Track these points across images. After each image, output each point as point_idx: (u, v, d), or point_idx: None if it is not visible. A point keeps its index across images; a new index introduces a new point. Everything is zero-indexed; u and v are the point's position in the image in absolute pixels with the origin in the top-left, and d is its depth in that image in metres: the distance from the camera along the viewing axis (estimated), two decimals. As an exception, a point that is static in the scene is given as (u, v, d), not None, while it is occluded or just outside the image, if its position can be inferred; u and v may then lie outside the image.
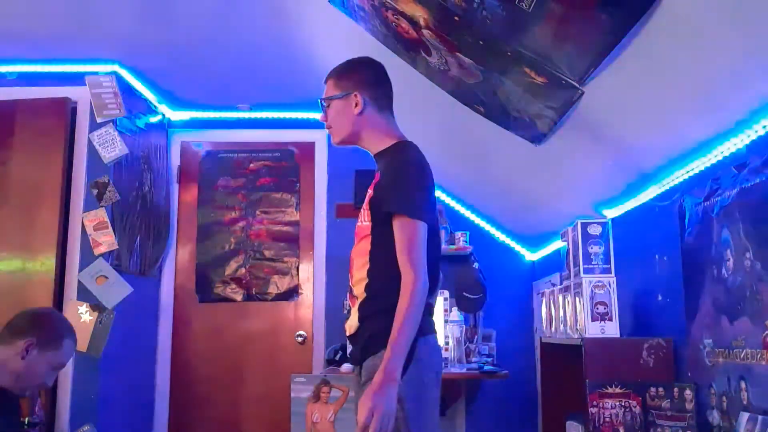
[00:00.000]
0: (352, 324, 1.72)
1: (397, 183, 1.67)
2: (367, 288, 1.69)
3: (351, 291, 1.76)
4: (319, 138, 3.91)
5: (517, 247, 3.82)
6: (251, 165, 3.97)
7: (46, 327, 2.12)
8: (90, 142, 3.18)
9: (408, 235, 1.63)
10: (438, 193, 3.90)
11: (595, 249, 2.20)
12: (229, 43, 3.00)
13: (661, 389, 1.93)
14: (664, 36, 1.55)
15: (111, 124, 3.19)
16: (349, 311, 1.77)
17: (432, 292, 1.68)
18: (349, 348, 1.85)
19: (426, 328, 1.64)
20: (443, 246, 3.77)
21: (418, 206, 1.66)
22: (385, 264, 1.66)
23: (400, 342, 1.55)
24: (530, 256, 3.79)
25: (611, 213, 2.48)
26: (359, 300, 1.71)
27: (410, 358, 1.58)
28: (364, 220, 1.73)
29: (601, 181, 2.44)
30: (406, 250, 1.62)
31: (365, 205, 1.73)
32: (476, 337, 3.53)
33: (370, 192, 1.73)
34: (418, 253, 1.62)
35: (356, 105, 1.77)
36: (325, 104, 1.83)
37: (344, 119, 1.80)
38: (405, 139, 1.79)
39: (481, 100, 2.42)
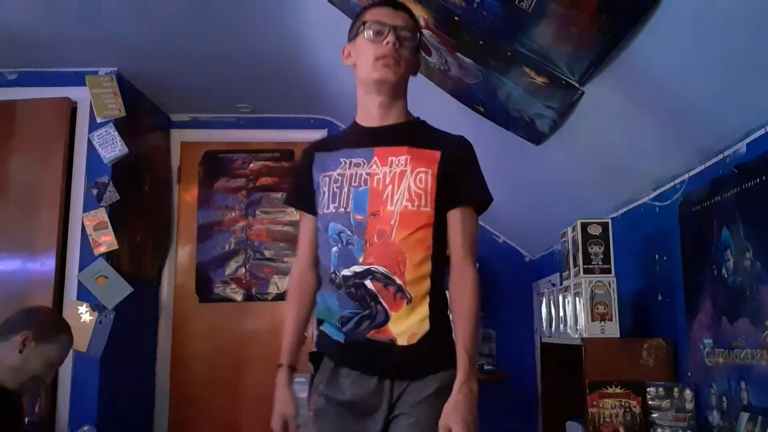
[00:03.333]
0: (410, 330, 1.45)
1: (477, 172, 1.55)
2: (434, 288, 1.48)
3: (398, 289, 1.45)
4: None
5: (517, 248, 3.82)
6: (251, 165, 3.97)
7: (42, 321, 2.13)
8: (90, 142, 3.18)
9: (473, 228, 1.54)
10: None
11: (595, 249, 2.20)
12: (230, 43, 3.00)
13: (661, 389, 1.93)
14: (664, 36, 1.54)
15: (111, 124, 3.19)
16: (381, 314, 1.45)
17: None
18: (384, 358, 1.47)
19: None
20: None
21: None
22: (441, 261, 1.51)
23: (476, 347, 1.44)
24: (530, 256, 3.78)
25: (611, 213, 2.48)
26: (423, 302, 1.47)
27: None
28: (423, 205, 1.47)
29: (601, 181, 2.44)
30: (470, 243, 1.52)
31: (427, 186, 1.48)
32: (476, 337, 3.53)
33: (429, 171, 1.48)
34: (476, 246, 1.55)
35: (417, 64, 1.61)
36: (408, 34, 1.53)
37: (410, 66, 1.56)
38: None
39: (481, 100, 2.42)
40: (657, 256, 2.18)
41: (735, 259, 1.66)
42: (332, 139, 1.82)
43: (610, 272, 2.17)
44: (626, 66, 1.71)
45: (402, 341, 1.44)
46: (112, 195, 3.15)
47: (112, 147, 3.17)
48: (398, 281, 1.44)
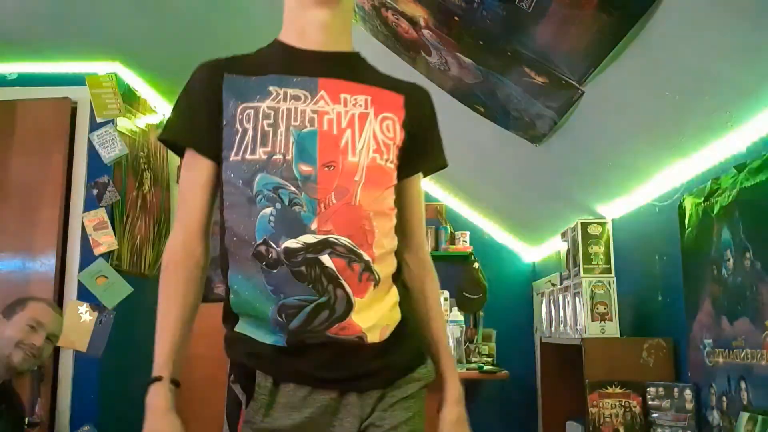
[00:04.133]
0: (381, 321, 1.11)
1: (437, 135, 1.27)
2: (398, 268, 1.18)
3: (365, 267, 1.08)
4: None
5: (517, 248, 3.82)
6: (251, 165, 3.96)
7: (8, 305, 2.20)
8: (90, 142, 3.18)
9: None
10: (438, 193, 3.91)
11: (595, 249, 2.20)
12: (230, 43, 3.00)
13: (661, 389, 1.93)
14: (664, 36, 1.54)
15: (111, 124, 3.19)
16: (342, 301, 1.06)
17: None
18: (350, 362, 1.10)
19: None
20: (444, 246, 3.80)
21: None
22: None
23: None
24: (530, 256, 3.78)
25: (611, 213, 2.48)
26: (391, 284, 1.15)
27: None
28: (390, 161, 1.14)
29: (601, 181, 2.44)
30: (423, 226, 1.28)
31: (395, 136, 1.15)
32: (476, 337, 3.53)
33: (394, 118, 1.16)
34: None
35: None
36: None
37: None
38: None
39: (481, 100, 2.42)
40: (657, 256, 2.18)
41: (735, 259, 1.66)
42: (247, 60, 1.26)
43: (610, 272, 2.17)
44: (626, 66, 1.71)
45: (372, 337, 1.09)
46: (112, 195, 3.15)
47: (112, 147, 3.17)
48: (366, 257, 1.08)
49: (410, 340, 1.16)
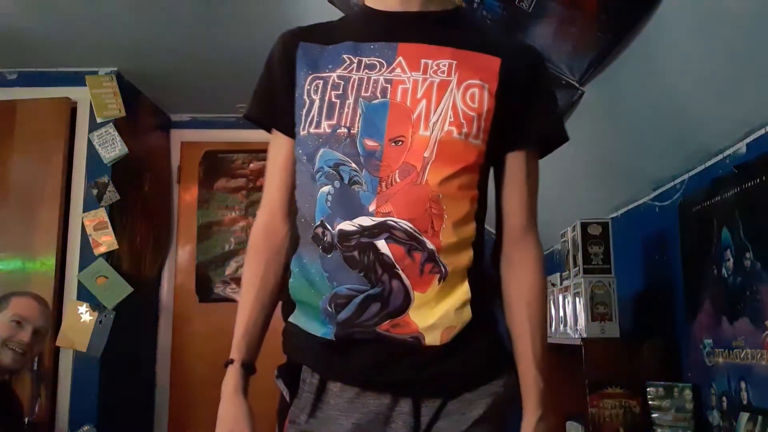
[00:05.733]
0: (444, 322, 0.96)
1: (551, 97, 1.10)
2: (477, 261, 1.02)
3: (428, 257, 0.95)
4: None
5: (517, 247, 3.81)
6: (251, 165, 3.97)
7: None
8: (90, 142, 3.18)
9: (537, 181, 1.08)
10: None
11: (595, 249, 2.20)
12: (230, 43, 3.00)
13: (661, 389, 1.93)
14: (664, 35, 1.54)
15: (111, 124, 3.19)
16: (399, 295, 0.95)
17: None
18: (402, 365, 0.98)
19: None
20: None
21: None
22: (483, 223, 1.05)
23: (544, 350, 1.03)
24: (530, 256, 3.78)
25: (611, 213, 2.48)
26: (463, 280, 0.99)
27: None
28: (474, 135, 0.98)
29: (601, 181, 2.44)
30: (535, 204, 1.07)
31: (483, 107, 0.99)
32: (476, 337, 3.52)
33: (485, 86, 0.99)
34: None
35: None
36: None
37: None
38: None
39: (481, 100, 2.42)
40: (657, 256, 2.18)
41: (735, 259, 1.66)
42: (328, 27, 1.15)
43: (610, 272, 2.17)
44: (626, 66, 1.71)
45: (432, 339, 0.95)
46: (112, 195, 3.15)
47: (112, 147, 3.17)
48: (430, 245, 0.95)
49: (482, 345, 0.99)
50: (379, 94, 0.98)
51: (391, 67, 1.00)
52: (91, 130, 3.19)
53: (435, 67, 0.99)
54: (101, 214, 3.11)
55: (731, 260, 1.68)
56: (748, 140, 1.64)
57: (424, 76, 0.99)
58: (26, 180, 3.12)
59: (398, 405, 0.96)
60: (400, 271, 0.94)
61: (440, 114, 0.97)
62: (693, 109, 1.74)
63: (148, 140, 3.60)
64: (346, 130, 0.98)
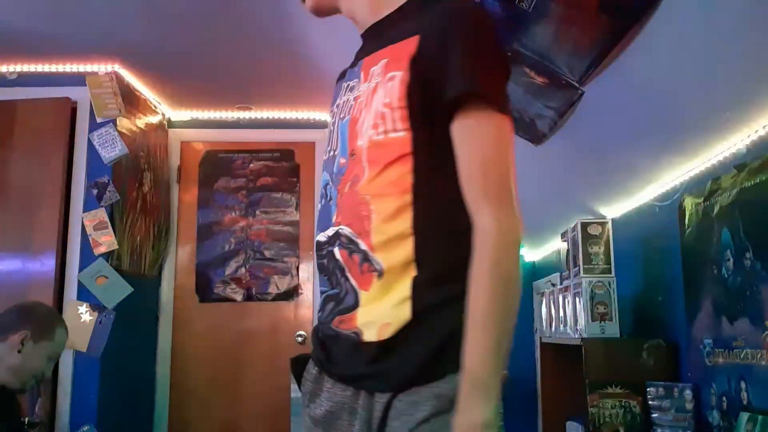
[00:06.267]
0: (380, 318, 0.97)
1: (473, 45, 0.95)
2: (420, 252, 0.96)
3: (363, 258, 0.98)
4: (319, 138, 3.91)
5: (517, 247, 3.81)
6: (251, 165, 3.97)
7: (36, 318, 2.14)
8: (90, 142, 3.18)
9: (491, 137, 0.94)
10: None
11: (595, 249, 2.20)
12: (229, 43, 3.00)
13: (661, 389, 1.93)
14: (664, 36, 1.54)
15: (111, 124, 3.19)
16: (350, 294, 1.01)
17: None
18: (352, 359, 1.02)
19: None
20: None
21: (505, 94, 0.98)
22: (450, 205, 0.97)
23: (491, 358, 0.90)
24: (530, 256, 3.78)
25: (611, 213, 2.48)
26: (403, 276, 0.96)
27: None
28: (392, 129, 0.97)
29: (601, 181, 2.44)
30: (487, 165, 0.94)
31: (393, 98, 0.97)
32: (476, 337, 3.52)
33: (398, 75, 0.97)
34: (506, 172, 0.95)
35: None
36: None
37: None
38: None
39: (481, 100, 2.42)
40: (657, 256, 2.18)
41: (735, 259, 1.66)
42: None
43: (610, 272, 2.17)
44: (626, 66, 1.71)
45: (369, 335, 0.97)
46: (112, 195, 3.15)
47: (112, 147, 3.17)
48: (363, 246, 0.98)
49: (423, 344, 0.95)
50: (347, 113, 1.06)
51: (358, 84, 1.07)
52: (91, 130, 3.19)
53: (375, 72, 1.03)
54: (101, 214, 3.11)
55: (731, 260, 1.68)
56: (748, 140, 1.64)
57: (368, 85, 1.03)
58: (26, 180, 3.12)
59: (359, 397, 1.00)
60: (348, 273, 1.01)
61: (364, 120, 1.01)
62: (693, 108, 1.74)
63: (148, 140, 3.60)
64: (332, 152, 1.08)
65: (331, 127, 1.11)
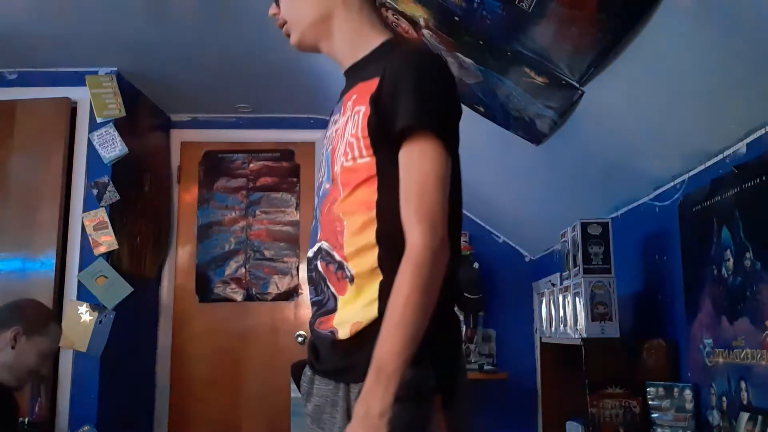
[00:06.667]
0: (352, 317, 1.11)
1: (419, 87, 1.09)
2: (384, 259, 1.10)
3: (338, 267, 1.14)
4: (319, 138, 3.91)
5: (517, 247, 3.81)
6: (251, 165, 3.97)
7: (29, 314, 2.15)
8: (90, 142, 3.18)
9: (427, 166, 1.07)
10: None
11: (595, 249, 2.20)
12: (230, 43, 3.00)
13: (661, 389, 1.93)
14: (664, 35, 1.54)
15: (111, 124, 3.19)
16: (331, 300, 1.15)
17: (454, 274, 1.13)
18: (331, 356, 1.16)
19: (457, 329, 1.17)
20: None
21: (450, 126, 1.12)
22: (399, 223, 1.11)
23: (399, 353, 0.99)
24: (530, 256, 3.78)
25: (611, 213, 2.48)
26: (371, 280, 1.10)
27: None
28: (359, 156, 1.13)
29: (601, 181, 2.44)
30: (418, 194, 1.06)
31: (357, 130, 1.13)
32: (476, 337, 3.53)
33: (362, 109, 1.14)
34: (438, 198, 1.06)
35: None
36: None
37: (304, 3, 1.28)
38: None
39: (481, 100, 2.42)
40: (657, 256, 2.18)
41: (735, 259, 1.66)
42: None
43: (610, 272, 2.17)
44: (626, 66, 1.71)
45: (343, 333, 1.11)
46: (112, 195, 3.15)
47: (112, 147, 3.17)
48: (338, 257, 1.13)
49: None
50: (330, 144, 1.22)
51: (339, 118, 1.22)
52: (91, 130, 3.19)
53: (348, 106, 1.19)
54: (101, 214, 3.11)
55: (731, 260, 1.68)
56: (748, 140, 1.64)
57: (344, 118, 1.19)
58: (26, 180, 3.12)
59: (339, 390, 1.11)
60: (329, 282, 1.16)
61: (339, 148, 1.18)
62: (692, 108, 1.74)
63: (148, 140, 3.60)
64: (321, 179, 1.24)
65: (321, 158, 1.25)
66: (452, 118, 1.14)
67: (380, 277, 1.10)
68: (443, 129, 1.10)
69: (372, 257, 1.11)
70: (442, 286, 1.04)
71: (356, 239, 1.12)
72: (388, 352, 1.00)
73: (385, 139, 1.11)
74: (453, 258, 1.08)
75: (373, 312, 1.08)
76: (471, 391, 1.18)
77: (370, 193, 1.12)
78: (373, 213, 1.11)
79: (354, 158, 1.13)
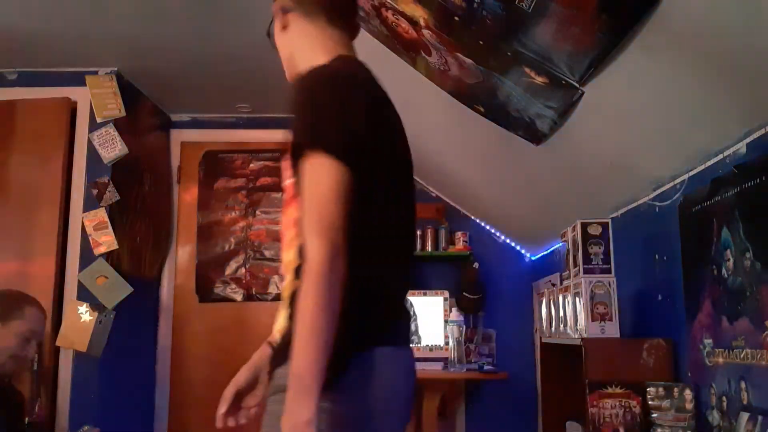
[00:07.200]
0: (279, 325, 1.21)
1: (306, 108, 1.18)
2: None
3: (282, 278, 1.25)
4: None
5: (517, 248, 3.82)
6: (251, 165, 3.97)
7: (3, 300, 2.17)
8: (90, 142, 3.18)
9: (316, 183, 1.09)
10: (438, 193, 3.90)
11: (595, 249, 2.20)
12: (230, 43, 3.00)
13: (661, 389, 1.93)
14: (664, 35, 1.54)
15: (111, 124, 3.19)
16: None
17: (403, 289, 1.23)
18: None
19: (376, 335, 1.14)
20: (443, 246, 3.79)
21: (349, 143, 1.12)
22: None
23: (309, 363, 1.01)
24: (530, 256, 3.79)
25: (611, 213, 2.48)
26: (288, 292, 1.17)
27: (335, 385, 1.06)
28: (289, 176, 1.21)
29: (601, 181, 2.44)
30: (311, 206, 1.08)
31: (288, 153, 1.20)
32: (476, 337, 3.53)
33: (287, 134, 1.23)
34: (328, 211, 1.06)
35: (283, 26, 1.41)
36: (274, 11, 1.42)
37: (282, 47, 1.44)
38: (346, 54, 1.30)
39: (481, 100, 2.42)
40: (657, 256, 2.18)
41: (735, 259, 1.66)
42: None
43: (610, 272, 2.17)
44: (626, 66, 1.71)
45: (276, 340, 1.22)
46: (112, 195, 3.15)
47: (112, 147, 3.17)
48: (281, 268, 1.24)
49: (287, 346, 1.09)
50: None
51: None
52: (91, 130, 3.19)
53: None
54: (101, 214, 3.11)
55: (731, 260, 1.68)
56: (748, 140, 1.64)
57: None
58: (26, 180, 3.12)
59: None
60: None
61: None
62: (692, 108, 1.74)
63: (148, 140, 3.60)
64: None
65: None
66: (352, 135, 1.13)
67: (290, 290, 1.16)
68: (334, 146, 1.11)
69: (291, 273, 1.18)
70: (347, 291, 1.05)
71: (287, 253, 1.20)
72: (301, 365, 1.01)
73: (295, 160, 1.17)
74: (401, 281, 1.20)
75: (287, 323, 1.15)
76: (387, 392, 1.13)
77: (294, 211, 1.17)
78: (296, 230, 1.16)
79: (287, 177, 1.21)
